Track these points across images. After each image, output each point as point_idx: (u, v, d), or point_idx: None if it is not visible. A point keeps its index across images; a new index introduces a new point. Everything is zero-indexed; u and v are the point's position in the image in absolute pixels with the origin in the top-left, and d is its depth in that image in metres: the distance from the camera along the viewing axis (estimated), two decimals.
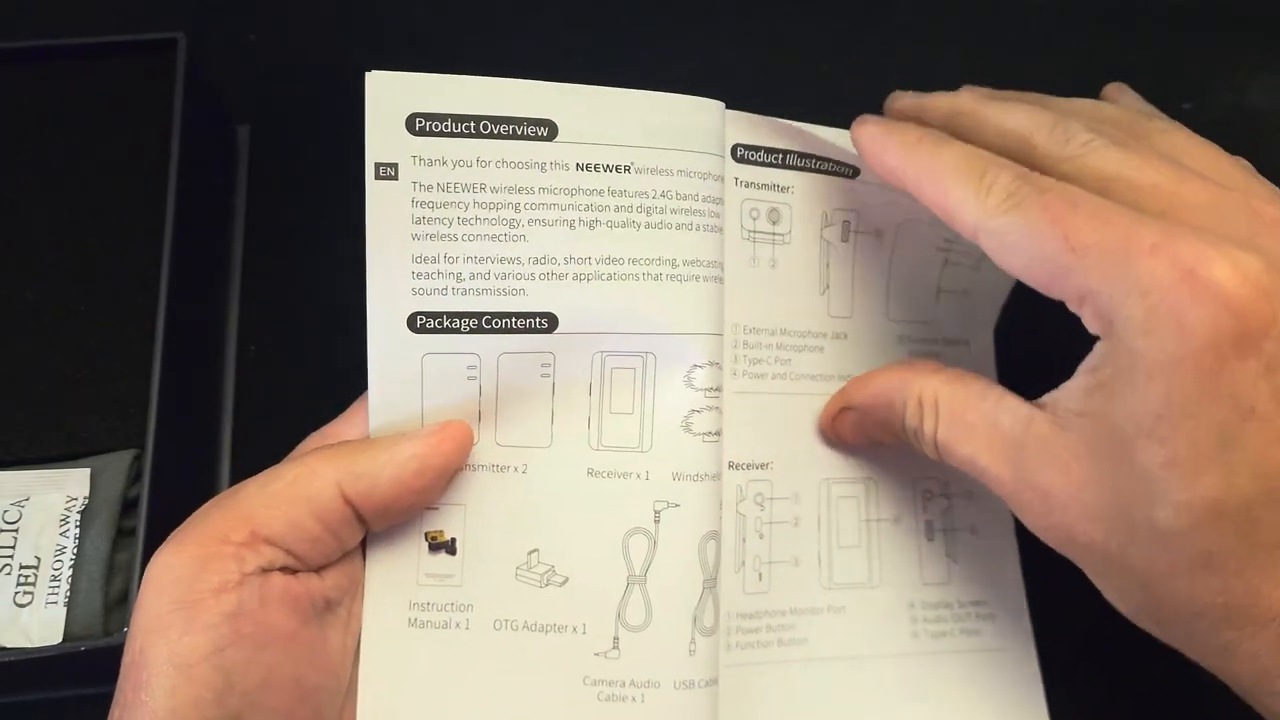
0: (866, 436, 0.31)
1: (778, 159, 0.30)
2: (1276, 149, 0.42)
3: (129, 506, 0.33)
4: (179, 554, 0.24)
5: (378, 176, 0.26)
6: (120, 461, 0.33)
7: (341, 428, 0.28)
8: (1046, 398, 0.25)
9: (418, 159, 0.26)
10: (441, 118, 0.26)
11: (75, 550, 0.31)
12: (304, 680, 0.25)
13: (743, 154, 0.30)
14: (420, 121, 0.26)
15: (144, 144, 0.37)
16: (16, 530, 0.32)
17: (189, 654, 0.23)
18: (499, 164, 0.27)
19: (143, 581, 0.24)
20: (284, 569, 0.25)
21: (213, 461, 0.38)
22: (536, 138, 0.27)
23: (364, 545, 0.28)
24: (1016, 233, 0.24)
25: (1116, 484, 0.23)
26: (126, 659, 0.24)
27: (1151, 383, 0.22)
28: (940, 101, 0.30)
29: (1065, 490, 0.24)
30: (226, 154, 0.42)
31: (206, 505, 0.26)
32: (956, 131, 0.28)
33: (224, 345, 0.40)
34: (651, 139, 0.27)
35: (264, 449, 0.38)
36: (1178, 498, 0.23)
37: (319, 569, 0.26)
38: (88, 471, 0.33)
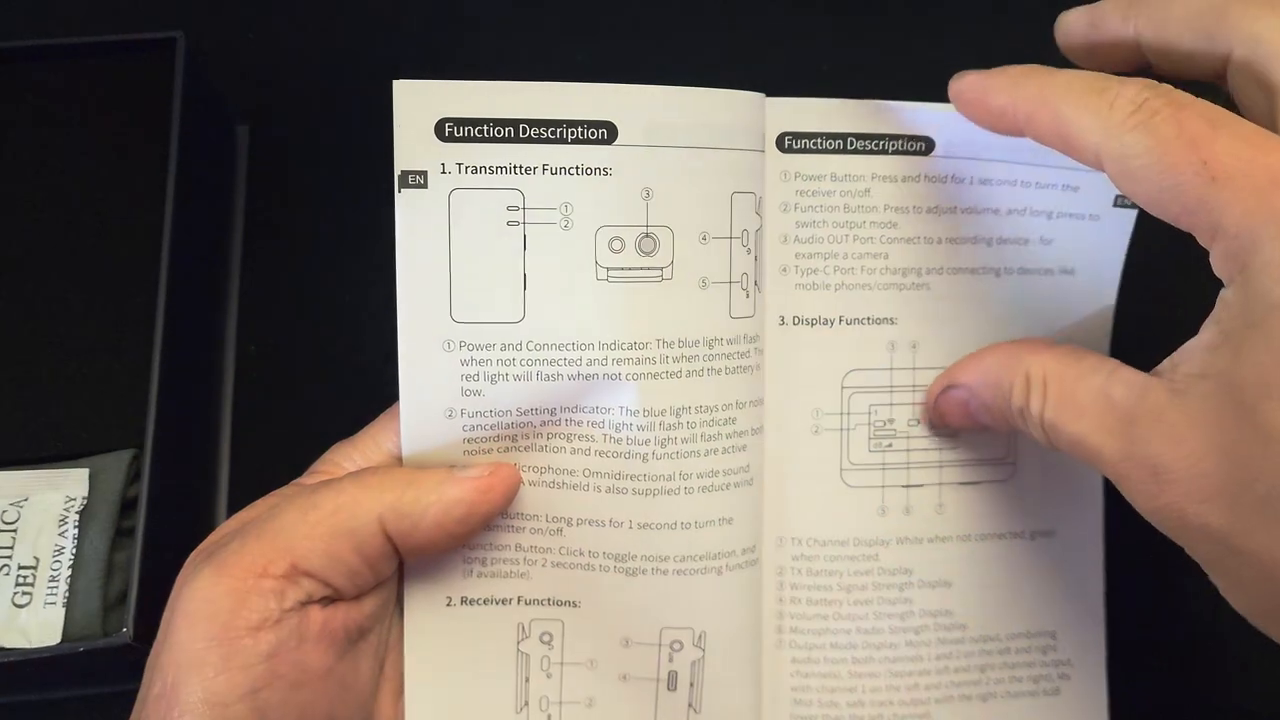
0: (972, 419, 0.28)
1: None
2: None
3: (128, 506, 0.33)
4: (216, 585, 0.24)
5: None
6: (119, 461, 0.33)
7: (372, 439, 0.28)
8: (1165, 363, 0.23)
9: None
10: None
11: (74, 550, 0.31)
12: (336, 716, 0.25)
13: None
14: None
15: (144, 144, 0.37)
16: (15, 530, 0.31)
17: (225, 693, 0.23)
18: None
19: (174, 607, 0.24)
20: (322, 600, 0.25)
21: (212, 461, 0.38)
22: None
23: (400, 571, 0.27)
24: (1146, 154, 0.21)
25: (1238, 455, 0.20)
26: (154, 690, 0.23)
27: None
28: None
29: (1178, 464, 0.21)
30: (226, 154, 0.42)
31: (243, 529, 0.25)
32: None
33: (223, 345, 0.40)
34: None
35: (264, 449, 0.38)
36: None
37: (354, 598, 0.26)
38: (86, 471, 0.33)
